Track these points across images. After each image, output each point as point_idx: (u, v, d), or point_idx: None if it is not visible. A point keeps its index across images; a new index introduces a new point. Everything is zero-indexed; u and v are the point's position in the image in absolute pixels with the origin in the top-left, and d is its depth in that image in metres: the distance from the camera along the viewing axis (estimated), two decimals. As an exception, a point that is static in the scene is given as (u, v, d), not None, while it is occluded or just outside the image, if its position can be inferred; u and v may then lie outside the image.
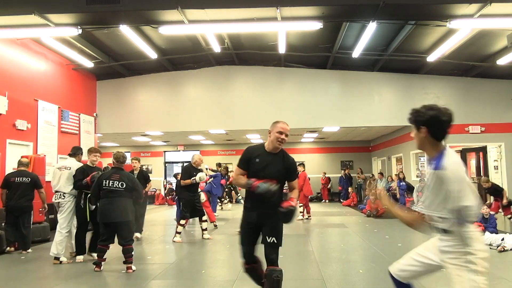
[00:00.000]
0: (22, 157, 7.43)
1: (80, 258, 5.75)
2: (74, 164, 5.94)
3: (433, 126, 2.18)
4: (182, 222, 7.54)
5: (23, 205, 6.53)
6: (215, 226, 8.95)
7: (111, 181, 5.22)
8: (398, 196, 12.06)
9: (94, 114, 12.01)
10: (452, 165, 2.05)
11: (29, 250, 6.55)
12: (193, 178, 7.30)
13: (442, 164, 2.07)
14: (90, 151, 6.06)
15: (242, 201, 17.66)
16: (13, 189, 6.50)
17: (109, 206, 5.15)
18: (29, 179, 6.62)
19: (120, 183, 5.24)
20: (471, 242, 2.02)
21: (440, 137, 2.19)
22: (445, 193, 2.02)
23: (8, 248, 6.59)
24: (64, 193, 5.82)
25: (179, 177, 11.47)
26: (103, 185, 5.19)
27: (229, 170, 12.04)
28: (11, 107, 8.33)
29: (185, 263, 5.80)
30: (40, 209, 6.80)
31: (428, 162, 2.25)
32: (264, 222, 3.26)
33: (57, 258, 5.61)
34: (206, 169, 10.11)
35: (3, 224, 7.27)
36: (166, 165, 19.61)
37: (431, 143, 2.20)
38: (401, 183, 12.17)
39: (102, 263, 5.23)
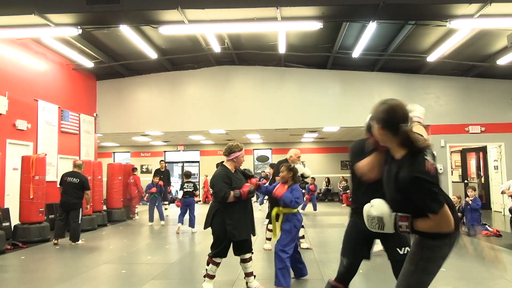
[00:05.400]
0: (75, 161, 8.02)
1: None
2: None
3: None
4: (270, 226, 6.38)
5: (71, 202, 7.27)
6: None
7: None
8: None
9: (94, 114, 12.01)
10: None
11: (78, 242, 7.22)
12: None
13: None
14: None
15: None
16: (65, 187, 7.34)
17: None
18: (78, 180, 7.36)
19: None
20: None
21: None
22: None
23: (54, 240, 7.29)
24: None
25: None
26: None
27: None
28: (11, 107, 8.33)
29: (185, 263, 5.80)
30: (86, 207, 7.68)
31: None
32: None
33: None
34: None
35: (2, 224, 7.33)
36: (166, 165, 19.57)
37: None
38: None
39: None
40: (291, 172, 4.28)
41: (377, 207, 2.05)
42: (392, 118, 2.02)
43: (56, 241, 7.23)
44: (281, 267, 4.05)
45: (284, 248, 4.06)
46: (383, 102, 2.10)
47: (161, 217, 10.14)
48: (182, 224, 8.65)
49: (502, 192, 7.42)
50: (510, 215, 7.38)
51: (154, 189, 10.05)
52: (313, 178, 13.57)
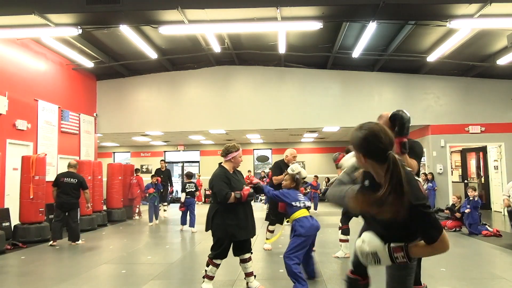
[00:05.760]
0: (70, 162, 7.91)
1: None
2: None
3: None
4: (271, 228, 6.49)
5: (71, 202, 7.27)
6: None
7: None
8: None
9: (94, 114, 12.01)
10: None
11: (78, 242, 7.22)
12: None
13: None
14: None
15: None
16: (62, 188, 7.26)
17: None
18: (76, 180, 7.37)
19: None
20: None
21: None
22: None
23: (52, 242, 7.15)
24: None
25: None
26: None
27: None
28: (11, 107, 8.32)
29: (185, 263, 5.80)
30: (87, 206, 7.68)
31: None
32: None
33: None
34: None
35: (2, 224, 7.33)
36: (166, 165, 19.56)
37: None
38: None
39: None
40: (294, 183, 4.29)
41: (369, 243, 1.89)
42: (377, 146, 1.77)
43: (53, 243, 7.09)
44: (290, 275, 3.99)
45: (288, 254, 3.99)
46: (361, 127, 1.85)
47: (156, 216, 10.18)
48: (185, 224, 8.74)
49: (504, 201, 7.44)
50: (510, 219, 7.39)
51: (151, 190, 10.10)
52: (316, 176, 13.61)
